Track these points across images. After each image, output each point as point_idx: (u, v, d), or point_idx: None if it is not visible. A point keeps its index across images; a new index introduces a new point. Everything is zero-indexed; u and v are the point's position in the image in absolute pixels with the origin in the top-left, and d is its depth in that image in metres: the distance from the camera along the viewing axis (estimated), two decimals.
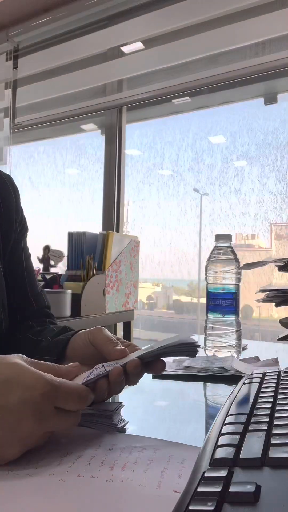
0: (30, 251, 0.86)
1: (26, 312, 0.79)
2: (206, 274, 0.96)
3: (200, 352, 0.98)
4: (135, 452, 0.41)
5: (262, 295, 0.88)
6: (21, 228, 0.82)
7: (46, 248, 2.02)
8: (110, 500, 0.33)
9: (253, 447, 0.33)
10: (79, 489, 0.34)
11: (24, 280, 0.80)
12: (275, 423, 0.37)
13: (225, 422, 0.40)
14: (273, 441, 0.33)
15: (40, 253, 2.02)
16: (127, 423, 0.50)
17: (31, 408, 0.39)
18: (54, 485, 0.35)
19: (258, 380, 0.53)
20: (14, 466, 0.38)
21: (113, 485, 0.35)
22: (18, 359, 0.43)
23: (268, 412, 0.40)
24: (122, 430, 0.48)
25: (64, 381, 0.43)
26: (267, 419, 0.38)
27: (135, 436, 0.46)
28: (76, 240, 1.84)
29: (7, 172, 0.88)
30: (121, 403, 0.53)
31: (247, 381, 0.54)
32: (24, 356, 0.45)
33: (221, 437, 0.36)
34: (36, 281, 0.84)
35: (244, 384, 0.54)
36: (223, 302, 0.92)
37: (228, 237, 0.96)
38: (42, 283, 1.64)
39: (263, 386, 0.50)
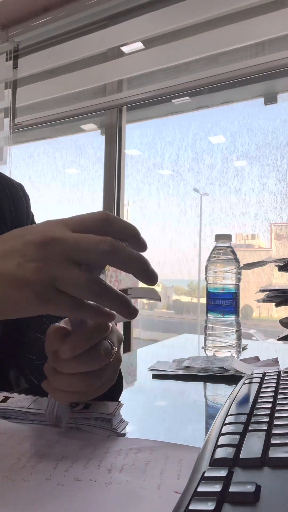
0: None
1: None
2: (206, 274, 0.96)
3: (200, 352, 0.98)
4: (131, 454, 0.41)
5: (262, 295, 0.88)
6: None
7: None
8: (112, 503, 0.33)
9: (253, 447, 0.33)
10: (79, 493, 0.34)
11: None
12: (275, 423, 0.37)
13: (225, 422, 0.40)
14: (273, 441, 0.33)
15: None
16: (127, 424, 0.49)
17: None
18: (52, 490, 0.34)
19: (258, 380, 0.53)
20: (8, 471, 0.37)
21: (112, 487, 0.35)
22: None
23: (268, 412, 0.40)
24: (122, 434, 0.46)
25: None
26: (267, 419, 0.38)
27: (130, 438, 0.46)
28: None
29: (7, 172, 0.88)
30: (119, 402, 0.51)
31: (247, 381, 0.54)
32: None
33: (221, 437, 0.36)
34: None
35: (244, 384, 0.53)
36: (223, 302, 0.92)
37: (228, 237, 0.96)
38: None
39: (263, 386, 0.50)
